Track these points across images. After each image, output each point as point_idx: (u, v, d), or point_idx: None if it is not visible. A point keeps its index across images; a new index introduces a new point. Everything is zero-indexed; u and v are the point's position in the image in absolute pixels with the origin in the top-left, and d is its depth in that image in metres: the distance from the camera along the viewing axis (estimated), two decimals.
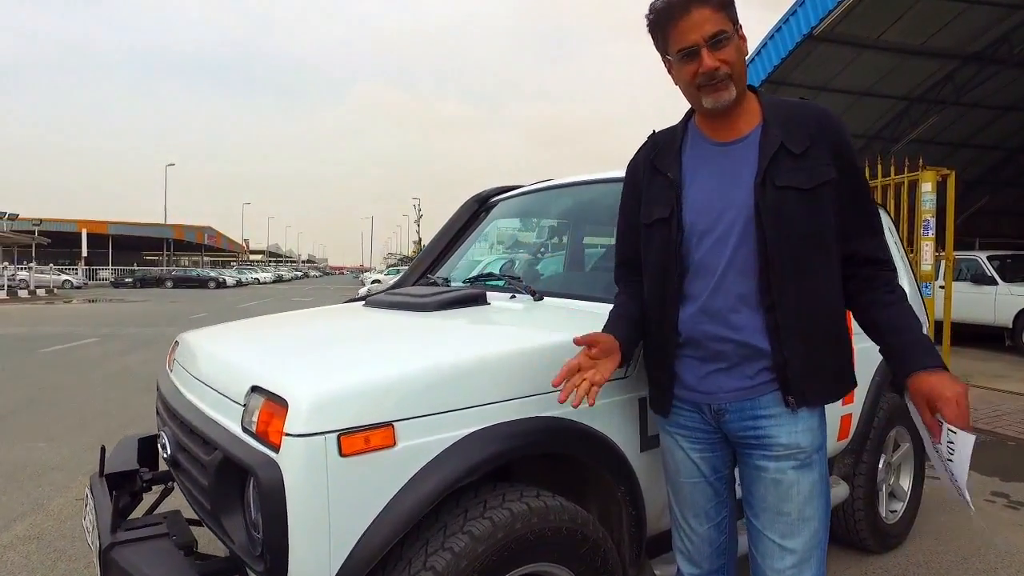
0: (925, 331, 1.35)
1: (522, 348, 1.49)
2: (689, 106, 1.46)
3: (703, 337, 1.37)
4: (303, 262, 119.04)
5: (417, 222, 48.03)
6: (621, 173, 2.32)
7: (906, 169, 6.78)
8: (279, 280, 56.88)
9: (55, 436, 4.78)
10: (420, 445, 1.30)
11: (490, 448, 1.35)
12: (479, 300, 2.02)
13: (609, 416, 1.57)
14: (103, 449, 1.84)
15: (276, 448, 1.23)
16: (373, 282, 24.52)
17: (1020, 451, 4.58)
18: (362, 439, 1.24)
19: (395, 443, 1.27)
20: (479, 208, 2.88)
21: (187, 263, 63.70)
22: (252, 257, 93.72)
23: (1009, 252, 10.49)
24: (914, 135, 13.87)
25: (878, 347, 1.39)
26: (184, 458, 1.59)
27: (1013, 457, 4.43)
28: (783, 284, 1.29)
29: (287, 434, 1.21)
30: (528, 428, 1.42)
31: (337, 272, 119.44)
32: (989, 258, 9.72)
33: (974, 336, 9.39)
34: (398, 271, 28.99)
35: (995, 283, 9.43)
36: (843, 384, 1.39)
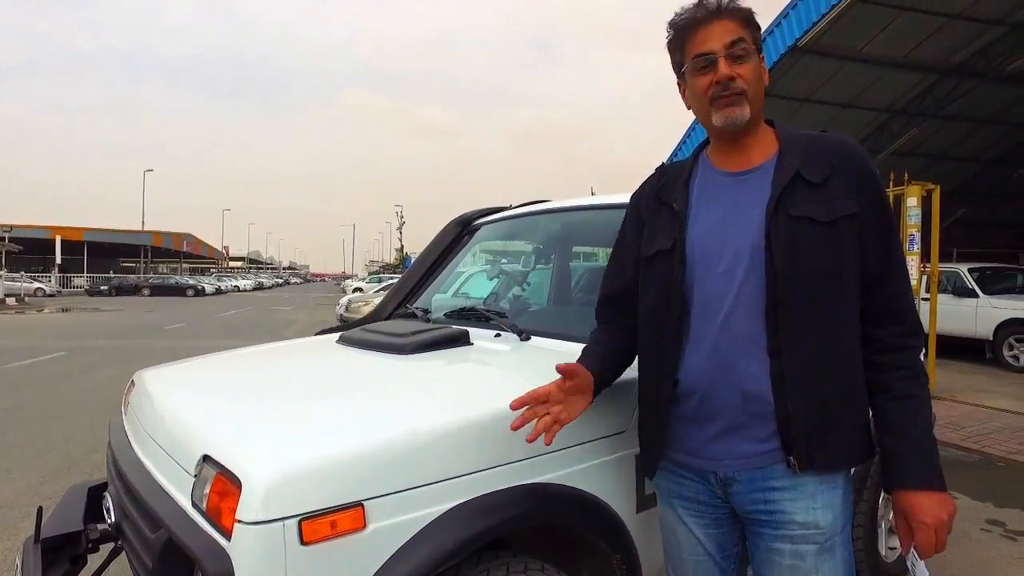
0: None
1: (505, 408, 1.34)
2: (692, 136, 1.33)
3: (705, 387, 1.22)
4: (284, 269, 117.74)
5: (400, 229, 47.71)
6: (611, 199, 2.23)
7: (891, 183, 6.76)
8: (259, 288, 56.16)
9: (8, 465, 4.47)
10: (393, 526, 1.14)
11: (473, 525, 1.20)
12: (461, 340, 1.87)
13: (603, 477, 1.43)
14: (39, 511, 1.66)
15: (228, 534, 1.07)
16: (355, 290, 24.20)
17: (1011, 473, 4.52)
18: (327, 524, 1.08)
19: (365, 525, 1.11)
20: (461, 231, 2.74)
21: (165, 270, 62.62)
22: (232, 264, 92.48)
23: (989, 264, 10.56)
24: (895, 147, 14.00)
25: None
26: (128, 528, 1.41)
27: (1005, 480, 4.36)
28: (792, 327, 1.15)
29: (239, 521, 1.05)
30: (515, 498, 1.27)
31: (319, 279, 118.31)
32: (970, 270, 9.77)
33: (956, 348, 9.41)
34: (379, 279, 28.72)
35: (976, 296, 9.47)
36: (859, 448, 1.22)
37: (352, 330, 2.14)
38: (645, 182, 1.44)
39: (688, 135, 12.80)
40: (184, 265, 66.84)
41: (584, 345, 1.73)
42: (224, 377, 1.79)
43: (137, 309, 23.95)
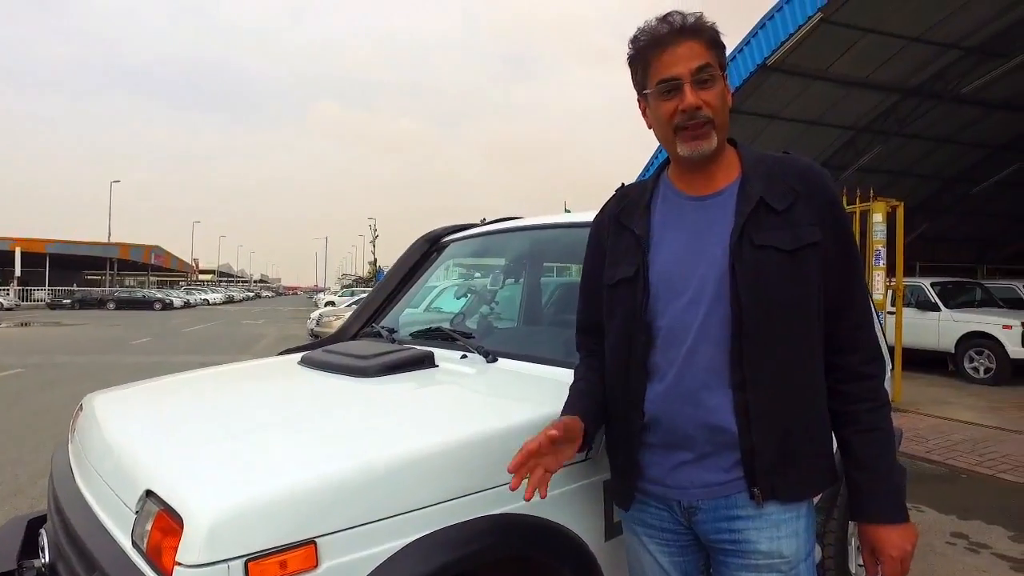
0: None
1: (472, 436, 1.30)
2: (659, 161, 1.32)
3: (671, 418, 1.20)
4: (255, 282, 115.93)
5: (373, 242, 47.33)
6: (580, 218, 2.21)
7: (858, 199, 6.91)
8: (229, 301, 55.16)
9: None
10: (349, 563, 1.08)
11: (435, 560, 1.14)
12: (426, 362, 1.82)
13: (570, 505, 1.39)
14: None
15: None
16: (327, 304, 23.89)
17: (974, 485, 4.60)
18: (276, 564, 1.02)
19: (317, 564, 1.06)
20: (430, 248, 2.70)
21: (132, 283, 61.13)
22: (202, 277, 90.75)
23: (951, 279, 10.86)
24: (861, 163, 14.37)
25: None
26: (63, 569, 1.33)
27: (968, 492, 4.43)
28: (757, 358, 1.13)
29: (180, 563, 0.99)
30: (479, 530, 1.23)
31: (291, 292, 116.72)
32: (932, 285, 10.03)
33: (920, 361, 9.62)
34: (352, 292, 28.41)
35: (938, 309, 9.71)
36: (823, 476, 1.21)
37: (315, 351, 2.08)
38: (606, 205, 1.41)
39: (658, 154, 12.95)
40: (152, 278, 65.38)
41: (553, 367, 1.71)
42: (177, 403, 1.71)
43: (101, 323, 23.28)
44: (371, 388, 1.66)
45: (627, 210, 1.32)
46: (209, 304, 47.43)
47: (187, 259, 76.79)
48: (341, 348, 2.01)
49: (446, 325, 2.12)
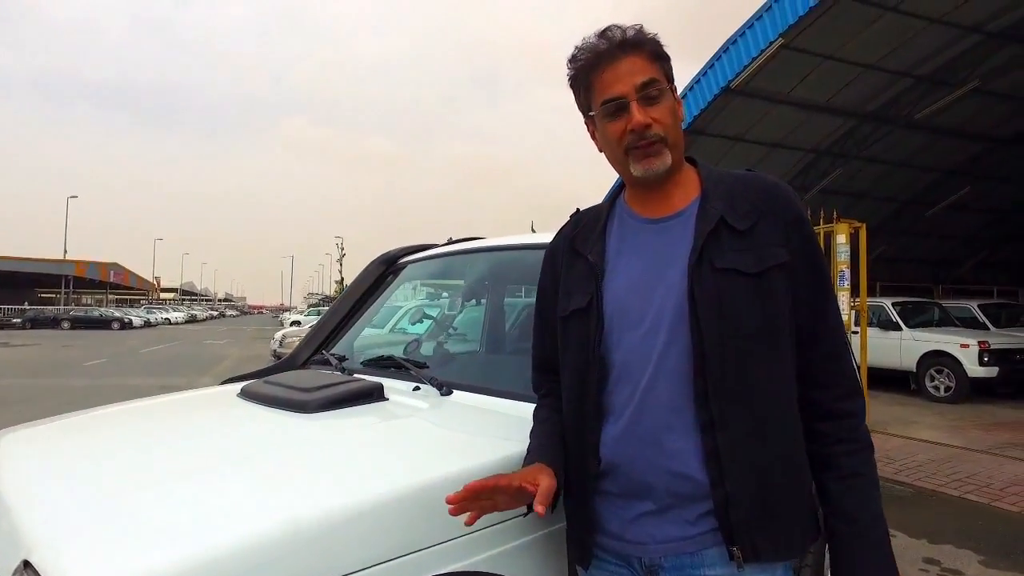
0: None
1: (417, 484, 1.15)
2: (615, 181, 1.22)
3: (629, 464, 1.07)
4: (219, 301, 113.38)
5: (340, 261, 46.69)
6: (546, 238, 2.10)
7: (821, 221, 7.00)
8: (192, 320, 53.74)
9: None
10: None
11: None
12: (374, 395, 1.67)
13: (530, 559, 1.25)
14: None
15: None
16: (292, 323, 23.38)
17: (943, 506, 4.59)
18: None
19: None
20: (386, 270, 2.55)
21: (90, 302, 59.08)
22: (163, 296, 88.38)
23: (910, 299, 11.11)
24: (822, 185, 14.71)
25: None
26: None
27: (937, 514, 4.42)
28: (724, 396, 1.02)
29: None
30: None
31: (256, 312, 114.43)
32: (893, 304, 10.22)
33: (883, 379, 9.76)
34: (319, 311, 27.88)
35: (899, 328, 9.90)
36: (803, 531, 1.08)
37: (255, 382, 1.91)
38: (560, 231, 1.30)
39: None
40: (111, 296, 63.35)
41: (513, 401, 1.57)
42: (88, 445, 1.52)
43: (55, 343, 22.31)
44: (310, 426, 1.50)
45: (581, 236, 1.22)
46: (171, 323, 46.15)
47: (148, 277, 74.77)
48: (284, 379, 1.84)
49: (400, 352, 1.97)
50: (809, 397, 1.10)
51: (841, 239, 6.97)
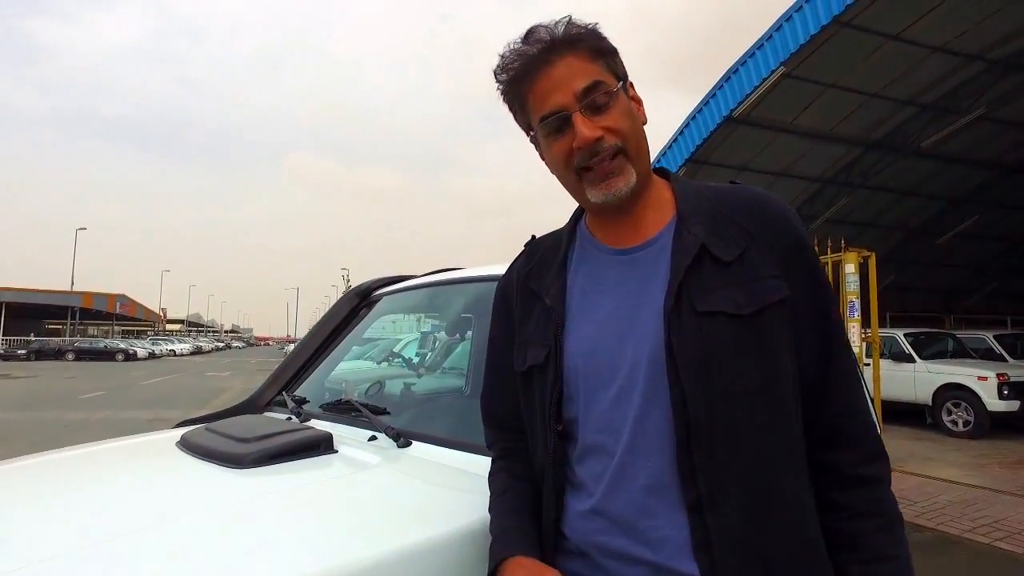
0: None
1: (345, 566, 0.94)
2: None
3: (599, 553, 0.87)
4: (226, 332, 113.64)
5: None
6: None
7: (829, 250, 6.80)
8: (197, 352, 53.72)
9: None
10: None
11: None
12: (322, 447, 1.46)
13: None
14: None
15: None
16: None
17: (969, 553, 4.27)
18: None
19: None
20: (360, 303, 2.36)
21: (96, 333, 59.24)
22: (170, 327, 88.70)
23: (923, 329, 10.80)
24: (828, 214, 14.54)
25: None
26: None
27: (964, 562, 4.10)
28: (715, 469, 0.81)
29: None
30: None
31: (263, 343, 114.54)
32: (905, 335, 9.92)
33: (896, 413, 9.41)
34: None
35: (913, 360, 9.58)
36: None
37: (199, 428, 1.71)
38: (512, 264, 1.10)
39: None
40: (117, 328, 63.55)
41: (479, 456, 1.36)
42: None
43: (56, 375, 22.19)
44: (239, 484, 1.30)
45: (537, 271, 1.02)
46: (175, 355, 46.09)
47: (155, 308, 75.10)
48: (226, 427, 1.63)
49: (358, 396, 1.76)
50: (822, 460, 0.89)
51: (850, 268, 6.76)
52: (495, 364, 1.09)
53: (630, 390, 0.87)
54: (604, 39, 0.92)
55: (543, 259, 1.03)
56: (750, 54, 9.82)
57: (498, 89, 0.96)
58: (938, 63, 10.84)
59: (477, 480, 1.25)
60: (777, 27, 9.26)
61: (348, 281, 46.58)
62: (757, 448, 0.83)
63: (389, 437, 1.49)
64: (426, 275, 2.36)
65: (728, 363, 0.83)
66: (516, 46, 0.92)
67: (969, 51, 10.61)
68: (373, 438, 1.54)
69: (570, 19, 0.91)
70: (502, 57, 0.93)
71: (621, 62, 0.94)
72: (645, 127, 0.95)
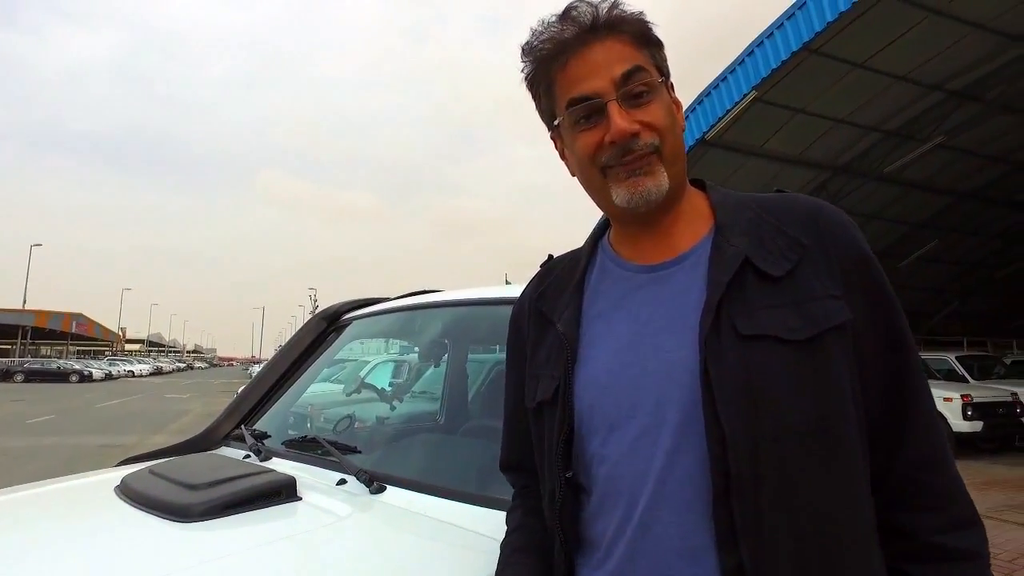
0: None
1: None
2: (596, 221, 0.90)
3: None
4: (188, 353, 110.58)
5: (312, 313, 45.91)
6: (511, 292, 1.77)
7: None
8: (157, 372, 51.98)
9: None
10: None
11: None
12: (283, 494, 1.28)
13: None
14: None
15: None
16: None
17: None
18: None
19: None
20: (328, 327, 2.18)
21: (49, 353, 56.88)
22: (129, 347, 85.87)
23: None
24: None
25: None
26: None
27: None
28: (760, 529, 0.67)
29: None
30: None
31: (226, 364, 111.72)
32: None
33: None
34: None
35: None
36: None
37: (141, 470, 1.50)
38: (526, 288, 0.97)
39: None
40: (72, 348, 61.17)
41: (465, 505, 1.20)
42: None
43: (1, 398, 21.07)
44: (187, 542, 1.11)
45: (551, 294, 0.89)
46: (134, 376, 44.51)
47: (114, 328, 72.69)
48: (173, 469, 1.44)
49: (325, 435, 1.58)
50: (895, 524, 0.74)
51: None
52: (512, 405, 0.95)
53: (655, 430, 0.73)
54: (650, 27, 0.81)
55: (558, 280, 0.90)
56: (723, 78, 9.96)
57: (522, 71, 0.83)
58: (901, 92, 11.17)
59: (464, 535, 1.10)
60: (749, 52, 9.42)
61: (315, 301, 45.77)
62: (814, 504, 0.68)
63: (361, 481, 1.31)
64: (400, 298, 2.20)
65: (778, 398, 0.69)
66: (551, 23, 0.79)
67: (929, 81, 10.96)
68: (343, 481, 1.37)
69: (616, 1, 0.79)
70: (533, 33, 0.80)
71: (665, 57, 0.83)
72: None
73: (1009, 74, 10.85)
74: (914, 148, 12.68)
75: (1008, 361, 13.43)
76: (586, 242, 0.93)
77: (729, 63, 9.80)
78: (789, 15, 8.76)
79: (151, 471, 1.46)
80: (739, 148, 11.62)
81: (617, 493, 0.75)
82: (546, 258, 0.98)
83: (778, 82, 9.78)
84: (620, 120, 0.76)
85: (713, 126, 10.40)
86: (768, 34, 9.10)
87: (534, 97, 0.86)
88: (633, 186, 0.77)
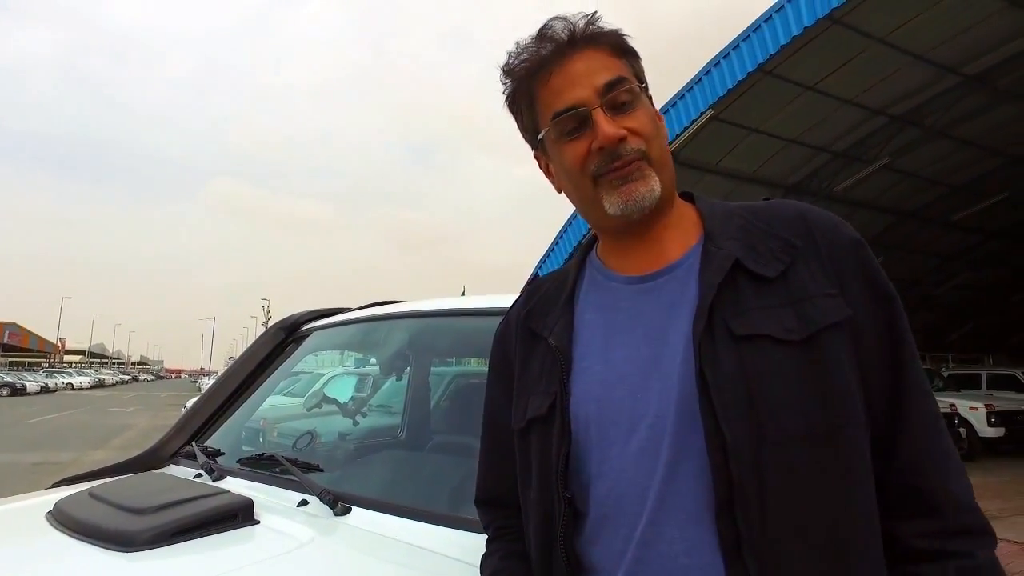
0: None
1: None
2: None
3: None
4: (133, 364, 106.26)
5: (265, 324, 44.77)
6: (480, 303, 1.71)
7: None
8: (99, 385, 49.63)
9: None
10: None
11: None
12: (239, 518, 1.19)
13: None
14: None
15: None
16: None
17: None
18: None
19: None
20: (286, 338, 2.09)
21: None
22: (68, 358, 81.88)
23: None
24: None
25: None
26: None
27: None
28: (765, 540, 0.65)
29: None
30: None
31: (173, 376, 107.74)
32: None
33: None
34: None
35: None
36: None
37: (78, 494, 1.38)
38: (512, 306, 0.94)
39: (562, 233, 12.98)
40: (4, 360, 57.90)
41: (438, 528, 1.14)
42: None
43: None
44: (130, 573, 1.02)
45: (539, 310, 0.87)
46: (73, 388, 42.38)
47: (52, 338, 69.25)
48: (115, 492, 1.33)
49: (284, 452, 1.50)
50: (892, 531, 0.71)
51: None
52: (494, 430, 0.90)
53: (656, 442, 0.70)
54: (626, 39, 0.81)
55: (546, 297, 0.88)
56: (680, 96, 10.20)
57: (504, 90, 0.83)
58: (849, 115, 11.67)
59: (437, 561, 1.04)
60: (706, 71, 9.68)
61: (269, 312, 44.65)
62: (823, 514, 0.66)
63: (323, 502, 1.24)
64: (361, 308, 2.12)
65: (780, 402, 0.67)
66: (528, 43, 0.80)
67: (872, 106, 11.50)
68: (304, 503, 1.29)
69: (595, 15, 0.79)
70: (511, 54, 0.81)
71: (643, 68, 0.83)
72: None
73: (945, 102, 11.48)
74: (861, 169, 13.25)
75: (945, 374, 14.14)
76: (574, 259, 0.91)
77: (686, 82, 10.05)
78: (745, 37, 9.06)
79: (90, 494, 1.35)
80: (695, 165, 11.90)
81: (618, 512, 0.72)
82: (532, 275, 0.95)
83: (733, 102, 10.08)
84: (607, 126, 0.75)
85: (671, 143, 10.60)
86: (724, 55, 9.38)
87: (515, 115, 0.86)
88: (626, 193, 0.76)
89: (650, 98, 0.83)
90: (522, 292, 0.94)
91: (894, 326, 0.75)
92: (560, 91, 0.78)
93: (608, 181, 0.77)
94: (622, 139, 0.75)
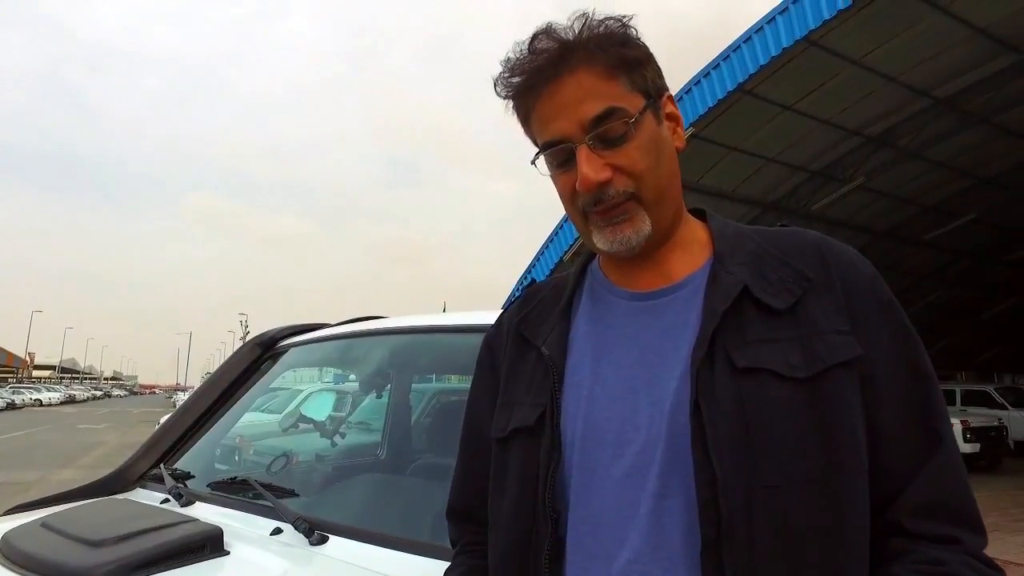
0: None
1: None
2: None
3: None
4: (106, 380, 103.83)
5: (243, 339, 44.11)
6: (461, 319, 1.67)
7: None
8: (70, 401, 48.34)
9: None
10: None
11: None
12: (207, 548, 1.12)
13: None
14: None
15: None
16: None
17: None
18: None
19: None
20: (263, 354, 2.01)
21: None
22: (37, 374, 79.77)
23: None
24: None
25: None
26: None
27: None
28: None
29: None
30: None
31: (148, 392, 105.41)
32: None
33: None
34: None
35: None
36: None
37: (30, 524, 1.29)
38: (503, 314, 0.90)
39: (544, 248, 12.99)
40: None
41: (418, 557, 1.08)
42: None
43: None
44: None
45: (534, 318, 0.82)
46: (42, 405, 41.17)
47: (20, 353, 67.47)
48: (71, 520, 1.24)
49: (261, 470, 1.43)
50: (902, 521, 0.66)
51: None
52: (473, 438, 0.85)
53: (642, 470, 0.66)
54: (630, 44, 0.73)
55: (542, 304, 0.83)
56: None
57: (503, 91, 0.77)
58: (825, 135, 11.90)
59: None
60: (687, 90, 9.81)
61: (246, 327, 44.01)
62: (816, 561, 0.61)
63: (299, 530, 1.17)
64: (340, 324, 2.06)
65: (779, 442, 0.63)
66: (521, 52, 0.74)
67: (848, 126, 11.75)
68: (278, 531, 1.21)
69: (587, 20, 0.72)
70: (505, 65, 0.75)
71: (654, 71, 0.76)
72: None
73: (917, 124, 11.78)
74: (837, 188, 13.49)
75: None
76: (575, 267, 0.87)
77: None
78: (725, 56, 9.22)
79: (43, 524, 1.26)
80: None
81: (595, 543, 0.67)
82: (529, 282, 0.91)
83: (713, 120, 10.22)
84: (587, 170, 0.70)
85: None
86: (705, 73, 9.52)
87: (518, 117, 0.79)
88: (612, 234, 0.73)
89: (664, 103, 0.76)
90: (519, 296, 0.90)
91: (915, 361, 0.70)
92: (547, 121, 0.73)
93: (595, 220, 0.73)
94: (604, 183, 0.70)
